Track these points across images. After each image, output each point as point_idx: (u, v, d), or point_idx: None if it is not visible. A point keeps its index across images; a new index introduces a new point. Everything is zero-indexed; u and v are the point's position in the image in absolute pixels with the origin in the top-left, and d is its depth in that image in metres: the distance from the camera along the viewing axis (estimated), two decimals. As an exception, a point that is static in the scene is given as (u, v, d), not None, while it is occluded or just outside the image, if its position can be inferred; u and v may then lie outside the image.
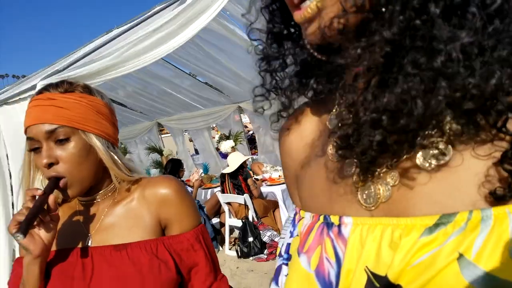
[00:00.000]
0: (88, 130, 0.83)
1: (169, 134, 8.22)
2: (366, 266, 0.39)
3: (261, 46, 0.55)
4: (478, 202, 0.35)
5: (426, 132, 0.38)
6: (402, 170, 0.40)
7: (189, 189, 4.67)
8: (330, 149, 0.47)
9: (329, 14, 0.39)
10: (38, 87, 2.32)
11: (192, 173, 5.16)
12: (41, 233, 0.77)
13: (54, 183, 0.79)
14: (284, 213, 4.49)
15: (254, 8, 0.54)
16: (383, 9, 0.36)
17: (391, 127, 0.37)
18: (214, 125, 7.79)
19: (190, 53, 4.70)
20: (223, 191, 4.70)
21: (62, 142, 0.80)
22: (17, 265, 0.88)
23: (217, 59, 4.88)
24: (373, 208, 0.42)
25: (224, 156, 5.98)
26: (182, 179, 4.99)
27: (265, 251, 4.16)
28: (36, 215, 0.75)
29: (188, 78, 5.93)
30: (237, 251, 4.29)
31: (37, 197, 0.77)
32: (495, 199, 0.34)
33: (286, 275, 0.52)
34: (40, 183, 0.88)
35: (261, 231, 4.27)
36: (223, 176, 4.74)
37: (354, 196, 0.44)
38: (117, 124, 0.93)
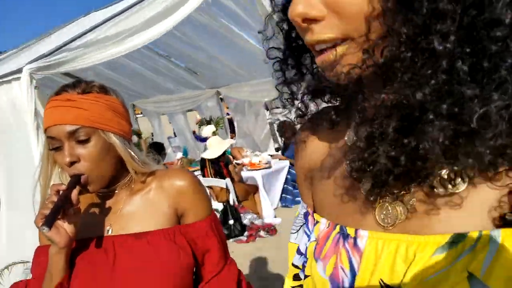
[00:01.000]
0: (107, 129, 0.88)
1: (142, 115, 8.09)
2: (381, 279, 0.42)
3: (278, 59, 0.56)
4: (488, 225, 0.37)
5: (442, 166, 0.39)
6: (419, 194, 0.42)
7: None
8: (346, 165, 0.48)
9: (349, 61, 0.40)
10: (25, 72, 2.29)
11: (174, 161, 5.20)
12: (65, 225, 0.83)
13: (76, 179, 0.84)
14: (264, 197, 4.63)
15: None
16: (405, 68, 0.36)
17: (405, 165, 0.39)
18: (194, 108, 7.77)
19: (168, 37, 4.62)
20: (203, 175, 4.77)
21: (82, 141, 0.85)
22: (38, 254, 0.94)
23: (196, 42, 4.84)
24: (390, 228, 0.44)
25: (202, 140, 6.00)
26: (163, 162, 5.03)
27: (245, 233, 4.30)
28: (61, 208, 0.81)
29: (165, 60, 5.83)
30: (217, 233, 4.40)
31: (61, 191, 0.82)
32: (504, 224, 0.36)
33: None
34: (57, 178, 0.93)
35: (241, 214, 4.40)
36: (203, 160, 4.80)
37: (371, 213, 0.46)
38: (130, 121, 0.98)
